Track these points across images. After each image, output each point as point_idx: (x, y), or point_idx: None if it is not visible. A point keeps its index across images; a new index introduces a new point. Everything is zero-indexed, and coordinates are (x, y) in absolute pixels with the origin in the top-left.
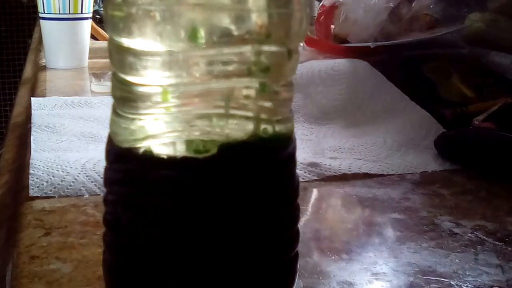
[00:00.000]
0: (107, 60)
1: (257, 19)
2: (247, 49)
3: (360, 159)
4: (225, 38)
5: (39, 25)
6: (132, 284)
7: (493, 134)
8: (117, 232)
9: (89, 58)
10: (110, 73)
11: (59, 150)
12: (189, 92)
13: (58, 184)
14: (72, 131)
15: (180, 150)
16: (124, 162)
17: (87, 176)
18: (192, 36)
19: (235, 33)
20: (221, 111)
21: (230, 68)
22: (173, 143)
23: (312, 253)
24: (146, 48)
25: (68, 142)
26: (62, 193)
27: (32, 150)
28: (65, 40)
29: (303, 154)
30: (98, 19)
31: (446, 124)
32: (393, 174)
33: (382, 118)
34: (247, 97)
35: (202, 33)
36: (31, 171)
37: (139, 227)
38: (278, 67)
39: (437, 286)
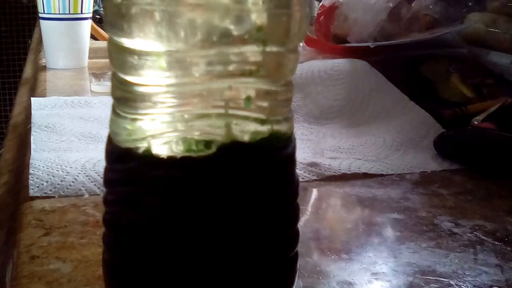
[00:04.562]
0: (107, 60)
1: (256, 19)
2: (246, 49)
3: (359, 159)
4: (224, 38)
5: (39, 25)
6: (132, 284)
7: (492, 134)
8: (117, 232)
9: (89, 58)
10: (110, 73)
11: (59, 150)
12: (189, 92)
13: (58, 184)
14: (72, 131)
15: (180, 150)
16: (124, 162)
17: (87, 176)
18: None
19: (235, 33)
20: (221, 111)
21: (230, 68)
22: (173, 143)
23: (312, 253)
24: (146, 48)
25: (68, 142)
26: (62, 193)
27: (32, 150)
28: (65, 40)
29: (303, 154)
30: (98, 19)
31: (445, 124)
32: (392, 174)
33: (381, 118)
34: (246, 97)
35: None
36: (31, 171)
37: (139, 227)
38: (278, 67)
39: (436, 286)
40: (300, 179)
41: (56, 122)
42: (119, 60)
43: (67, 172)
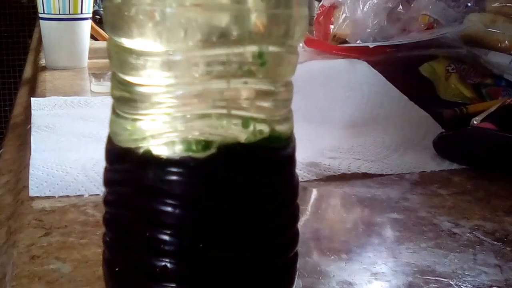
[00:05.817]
0: (107, 60)
1: (256, 19)
2: (246, 50)
3: (359, 159)
4: (224, 38)
5: (39, 25)
6: (132, 284)
7: (491, 134)
8: (117, 232)
9: (89, 58)
10: (110, 73)
11: (59, 150)
12: (189, 92)
13: (58, 184)
14: (72, 131)
15: (179, 150)
16: (124, 162)
17: (86, 176)
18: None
19: (234, 33)
20: (221, 111)
21: (230, 68)
22: (173, 143)
23: (311, 253)
24: (146, 48)
25: (68, 142)
26: (62, 193)
27: (32, 150)
28: (65, 40)
29: (302, 154)
30: (98, 19)
31: (444, 124)
32: (392, 174)
33: (381, 118)
34: (246, 97)
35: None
36: (31, 171)
37: (139, 227)
38: (277, 67)
39: (436, 286)
40: (300, 179)
41: (56, 122)
42: (119, 60)
43: (67, 172)
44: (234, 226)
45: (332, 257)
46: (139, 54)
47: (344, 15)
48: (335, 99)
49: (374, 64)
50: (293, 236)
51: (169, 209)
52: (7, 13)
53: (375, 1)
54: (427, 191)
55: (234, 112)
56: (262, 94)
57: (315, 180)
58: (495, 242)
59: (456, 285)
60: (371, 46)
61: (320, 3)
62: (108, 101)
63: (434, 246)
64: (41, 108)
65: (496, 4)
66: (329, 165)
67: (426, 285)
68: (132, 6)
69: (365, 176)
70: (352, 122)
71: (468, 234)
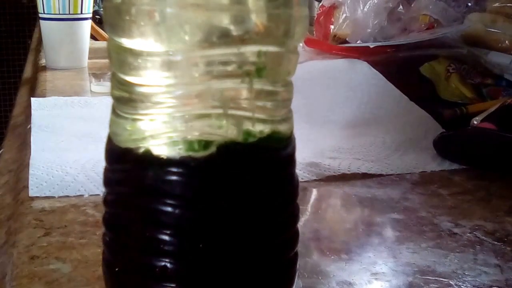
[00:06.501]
0: (107, 60)
1: (256, 19)
2: (246, 50)
3: (359, 159)
4: (224, 38)
5: (39, 25)
6: (131, 284)
7: (492, 134)
8: (117, 232)
9: (89, 58)
10: (110, 73)
11: (59, 150)
12: (189, 92)
13: (58, 184)
14: (72, 131)
15: (179, 150)
16: (124, 162)
17: (86, 176)
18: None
19: (234, 33)
20: (220, 111)
21: (229, 68)
22: (173, 143)
23: (311, 253)
24: (146, 48)
25: (67, 142)
26: (62, 193)
27: (32, 150)
28: (65, 40)
29: (302, 154)
30: (98, 19)
31: (445, 124)
32: (392, 174)
33: (381, 118)
34: (246, 97)
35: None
36: (31, 171)
37: (138, 227)
38: (277, 67)
39: (436, 286)
40: (300, 179)
41: (56, 122)
42: (119, 60)
43: (67, 173)
44: (234, 226)
45: (332, 257)
46: (139, 54)
47: (344, 15)
48: (335, 99)
49: (374, 64)
50: (293, 236)
51: (169, 209)
52: (7, 13)
53: (375, 1)
54: (427, 191)
55: (234, 112)
56: (262, 94)
57: (315, 180)
58: (495, 242)
59: (456, 285)
60: (371, 46)
61: (320, 3)
62: (108, 101)
63: (434, 246)
64: (41, 108)
65: (497, 4)
66: (329, 165)
67: (426, 285)
68: (132, 6)
69: (365, 176)
70: (352, 122)
71: (468, 234)
